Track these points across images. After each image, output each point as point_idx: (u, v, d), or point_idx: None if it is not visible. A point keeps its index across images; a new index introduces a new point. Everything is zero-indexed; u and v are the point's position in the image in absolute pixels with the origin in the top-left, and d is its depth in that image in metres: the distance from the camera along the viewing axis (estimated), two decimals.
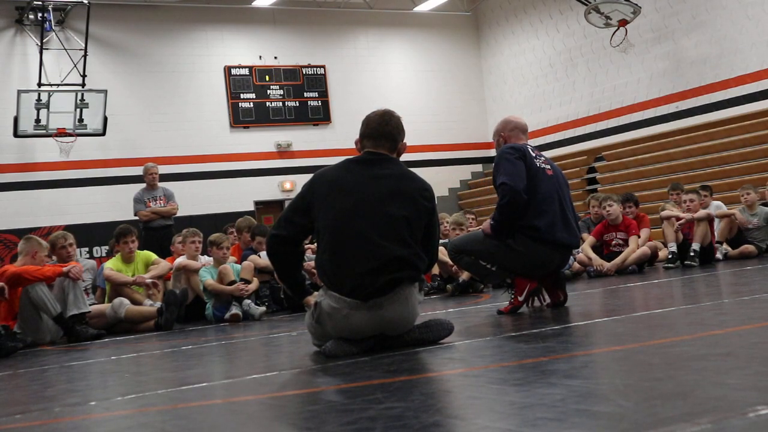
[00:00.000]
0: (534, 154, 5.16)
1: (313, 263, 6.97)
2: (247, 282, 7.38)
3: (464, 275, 7.94)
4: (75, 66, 15.89)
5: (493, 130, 5.54)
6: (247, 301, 7.23)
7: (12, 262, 7.34)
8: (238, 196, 17.63)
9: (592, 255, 8.74)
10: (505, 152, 5.11)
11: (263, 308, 7.30)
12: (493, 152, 21.62)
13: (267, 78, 18.34)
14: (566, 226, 5.01)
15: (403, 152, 4.03)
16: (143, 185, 10.76)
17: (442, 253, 8.02)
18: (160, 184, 10.81)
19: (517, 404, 2.32)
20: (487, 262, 5.08)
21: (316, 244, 4.07)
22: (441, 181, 19.08)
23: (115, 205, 15.60)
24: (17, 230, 14.74)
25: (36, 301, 6.37)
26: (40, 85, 15.57)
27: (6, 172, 15.86)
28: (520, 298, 5.10)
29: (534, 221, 4.92)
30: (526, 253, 4.95)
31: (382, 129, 3.93)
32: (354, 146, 4.10)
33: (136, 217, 10.58)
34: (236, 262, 7.87)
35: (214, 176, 17.61)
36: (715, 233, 9.33)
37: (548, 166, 5.17)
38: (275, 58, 18.54)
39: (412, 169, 4.06)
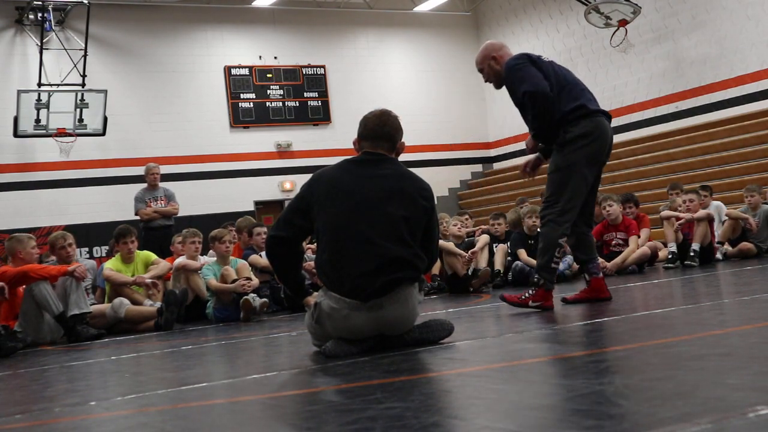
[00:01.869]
0: (537, 54, 5.17)
1: (313, 263, 6.97)
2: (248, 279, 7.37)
3: (481, 264, 7.97)
4: (75, 66, 15.90)
5: (476, 59, 5.32)
6: (252, 295, 7.22)
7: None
8: (238, 196, 17.63)
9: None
10: (512, 64, 5.05)
11: (265, 300, 7.29)
12: (493, 152, 21.50)
13: (267, 78, 18.34)
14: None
15: (401, 151, 4.02)
16: (144, 185, 10.76)
17: (443, 252, 8.05)
18: (161, 185, 10.81)
19: (517, 404, 2.32)
20: (570, 184, 4.97)
21: (316, 244, 4.07)
22: (441, 181, 19.09)
23: (115, 205, 15.61)
24: (17, 230, 14.69)
25: (39, 299, 6.39)
26: (40, 85, 15.57)
27: (6, 172, 15.87)
28: (531, 304, 5.01)
29: (576, 102, 4.97)
30: (587, 133, 4.95)
31: (380, 130, 3.93)
32: (353, 146, 4.10)
33: (137, 217, 10.58)
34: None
35: (214, 176, 17.62)
36: (716, 233, 9.33)
37: (548, 58, 5.20)
38: (275, 58, 18.54)
39: (411, 169, 4.05)
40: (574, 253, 5.36)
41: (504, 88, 5.23)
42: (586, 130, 4.98)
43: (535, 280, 5.04)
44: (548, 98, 4.89)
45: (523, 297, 5.04)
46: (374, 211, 3.76)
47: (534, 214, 8.63)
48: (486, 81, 5.39)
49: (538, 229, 5.77)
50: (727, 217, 9.51)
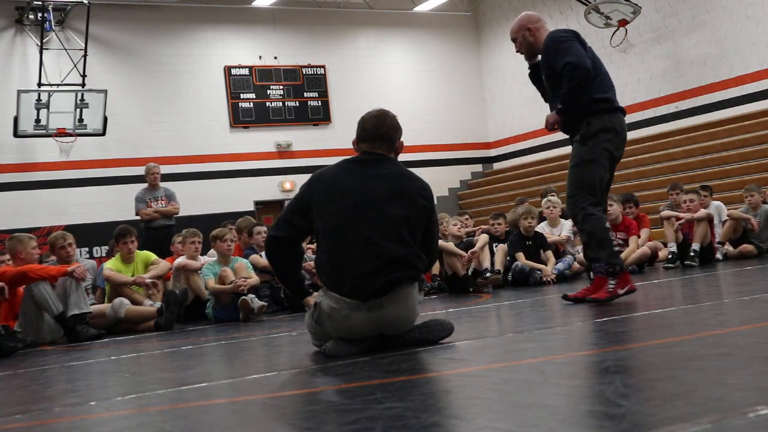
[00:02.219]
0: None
1: (312, 263, 6.97)
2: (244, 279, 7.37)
3: (484, 264, 7.99)
4: (75, 66, 15.90)
5: (512, 28, 5.40)
6: (251, 296, 7.22)
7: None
8: (238, 196, 17.63)
9: None
10: (558, 35, 5.12)
11: (264, 303, 7.28)
12: (492, 152, 21.48)
13: (267, 78, 18.34)
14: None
15: (400, 151, 4.02)
16: (144, 185, 10.76)
17: (443, 252, 8.05)
18: (162, 184, 10.81)
19: (517, 404, 2.32)
20: (590, 175, 5.04)
21: (315, 244, 4.07)
22: (441, 181, 19.09)
23: (115, 205, 15.61)
24: (17, 230, 14.69)
25: (39, 299, 6.39)
26: (40, 85, 15.57)
27: (6, 172, 15.87)
28: (621, 291, 5.05)
29: (605, 94, 5.08)
30: (610, 128, 5.05)
31: (378, 131, 3.92)
32: (352, 147, 4.09)
33: (137, 217, 10.58)
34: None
35: (214, 176, 17.62)
36: (716, 233, 9.33)
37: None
38: (275, 58, 18.54)
39: (411, 169, 4.05)
40: (586, 249, 5.37)
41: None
42: (610, 125, 5.08)
43: (613, 270, 5.06)
44: (588, 74, 4.98)
45: (610, 290, 5.05)
46: (374, 210, 3.76)
47: (530, 215, 8.62)
48: (517, 51, 5.47)
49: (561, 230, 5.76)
50: (728, 218, 9.51)
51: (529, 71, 5.52)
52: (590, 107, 5.07)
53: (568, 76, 4.96)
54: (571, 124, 5.19)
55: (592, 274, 5.34)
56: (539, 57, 5.34)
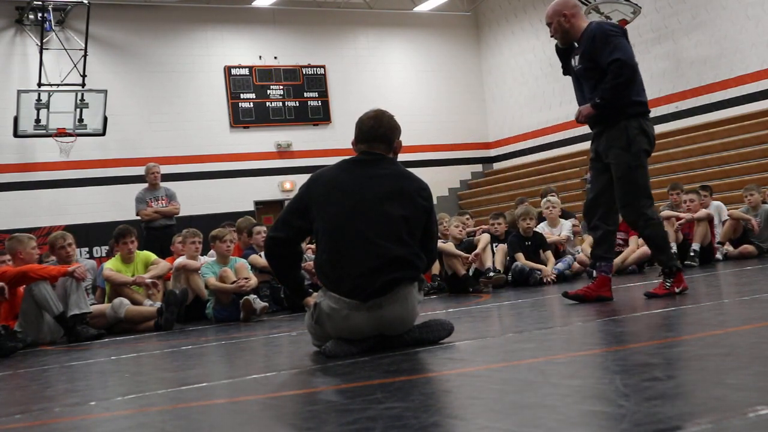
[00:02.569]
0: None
1: (312, 264, 6.97)
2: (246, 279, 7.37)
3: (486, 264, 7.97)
4: (75, 66, 15.90)
5: (547, 12, 5.38)
6: (252, 296, 7.21)
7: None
8: (238, 196, 17.64)
9: None
10: (609, 30, 5.13)
11: (265, 304, 7.28)
12: (492, 152, 21.44)
13: (267, 78, 18.34)
14: None
15: (399, 150, 4.02)
16: (144, 185, 10.75)
17: (443, 253, 8.05)
18: (162, 184, 10.80)
19: (517, 404, 2.32)
20: (637, 178, 5.11)
21: (315, 244, 4.07)
22: (441, 181, 19.09)
23: (115, 205, 15.61)
24: (17, 230, 14.70)
25: (39, 299, 6.39)
26: (40, 85, 15.58)
27: (6, 172, 15.87)
28: (677, 290, 5.13)
29: (641, 97, 5.14)
30: (646, 131, 5.13)
31: (375, 132, 3.91)
32: (351, 147, 4.09)
33: (138, 217, 10.58)
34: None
35: (214, 176, 17.62)
36: (716, 234, 9.32)
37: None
38: (275, 58, 18.55)
39: (411, 169, 4.05)
40: (595, 248, 5.40)
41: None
42: (646, 128, 5.16)
43: (670, 271, 5.17)
44: (636, 73, 5.02)
45: (667, 287, 5.16)
46: (373, 210, 3.76)
47: (528, 216, 8.62)
48: (551, 36, 5.44)
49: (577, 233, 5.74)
50: (728, 218, 9.50)
51: (556, 46, 5.50)
52: (627, 110, 5.09)
53: (615, 72, 4.96)
54: (601, 119, 5.19)
55: (595, 272, 5.36)
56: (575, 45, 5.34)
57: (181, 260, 7.87)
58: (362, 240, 3.72)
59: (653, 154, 15.95)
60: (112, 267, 7.64)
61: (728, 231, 9.40)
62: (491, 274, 7.97)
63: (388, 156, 3.95)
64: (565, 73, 5.50)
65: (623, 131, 5.09)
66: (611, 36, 5.04)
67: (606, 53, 4.99)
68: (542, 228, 9.21)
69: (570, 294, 5.31)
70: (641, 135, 5.10)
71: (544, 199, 9.58)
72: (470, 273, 8.19)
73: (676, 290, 5.15)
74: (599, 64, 5.05)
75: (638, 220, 5.16)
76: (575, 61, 5.27)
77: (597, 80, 5.09)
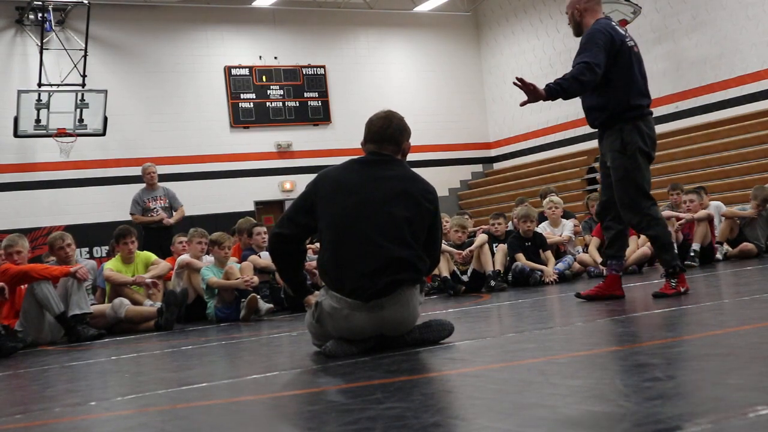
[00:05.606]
0: (623, 33, 5.27)
1: (314, 263, 6.97)
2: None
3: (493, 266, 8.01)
4: (75, 66, 15.89)
5: (567, 3, 5.46)
6: (258, 296, 7.21)
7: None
8: (238, 196, 17.63)
9: (599, 257, 8.69)
10: (597, 30, 5.14)
11: (271, 305, 7.28)
12: (493, 152, 21.45)
13: (267, 78, 18.33)
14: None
15: (407, 152, 4.03)
16: (144, 185, 10.74)
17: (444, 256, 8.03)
18: (161, 184, 10.79)
19: (517, 404, 2.32)
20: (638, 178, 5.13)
21: (316, 244, 4.08)
22: (441, 181, 19.07)
23: (115, 205, 15.59)
24: (17, 230, 14.71)
25: (40, 299, 6.40)
26: (40, 85, 15.57)
27: (6, 172, 15.86)
28: (682, 290, 5.16)
29: (639, 101, 5.18)
30: (644, 132, 5.16)
31: (384, 132, 3.92)
32: (358, 146, 4.10)
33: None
34: (237, 263, 7.87)
35: (214, 176, 17.61)
36: (716, 233, 9.31)
37: (633, 43, 5.31)
38: (275, 58, 18.54)
39: (412, 170, 4.05)
40: (607, 247, 5.48)
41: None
42: (644, 129, 5.19)
43: (673, 270, 5.19)
44: (593, 83, 5.03)
45: (673, 286, 5.18)
46: (377, 211, 3.76)
47: (529, 218, 8.61)
48: (568, 24, 5.52)
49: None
50: (722, 218, 9.49)
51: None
52: (625, 114, 5.17)
53: (579, 70, 5.00)
54: (601, 122, 5.28)
55: (605, 271, 5.47)
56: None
57: (185, 257, 7.87)
58: (366, 240, 3.72)
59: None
60: (112, 267, 7.65)
61: (725, 231, 9.39)
62: (492, 283, 7.91)
63: (397, 157, 3.96)
64: None
65: (618, 134, 5.18)
66: (591, 41, 5.08)
67: (579, 55, 5.09)
68: (544, 228, 9.20)
69: (582, 294, 5.34)
70: (636, 135, 5.15)
71: (547, 199, 9.58)
72: (468, 274, 8.17)
73: (681, 290, 5.18)
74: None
75: (641, 221, 5.21)
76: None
77: None
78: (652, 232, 5.24)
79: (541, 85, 5.03)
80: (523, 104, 5.06)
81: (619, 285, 5.36)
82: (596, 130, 5.44)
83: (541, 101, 5.06)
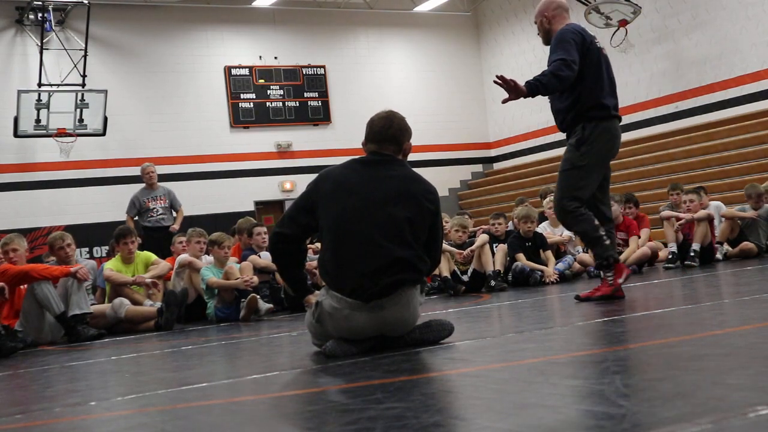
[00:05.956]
0: (591, 34, 5.31)
1: (314, 263, 6.97)
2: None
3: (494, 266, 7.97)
4: (75, 66, 15.89)
5: (536, 11, 5.51)
6: (258, 296, 7.21)
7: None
8: (238, 196, 17.63)
9: None
10: (565, 33, 5.17)
11: (271, 305, 7.28)
12: (493, 152, 21.47)
13: (267, 78, 18.33)
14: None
15: (409, 152, 4.03)
16: (144, 185, 10.75)
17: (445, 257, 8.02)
18: (160, 184, 10.79)
19: (517, 404, 2.32)
20: (583, 173, 5.13)
21: (316, 244, 4.08)
22: (441, 181, 19.05)
23: (115, 205, 15.56)
24: (17, 230, 14.70)
25: (41, 299, 6.40)
26: (40, 85, 15.57)
27: (6, 172, 15.86)
28: (620, 280, 5.15)
29: (606, 101, 5.19)
30: (605, 134, 5.17)
31: (385, 133, 3.92)
32: (358, 146, 4.10)
33: (137, 218, 10.57)
34: (237, 263, 7.87)
35: (214, 176, 17.61)
36: (716, 233, 9.31)
37: (602, 46, 5.35)
38: (275, 58, 18.54)
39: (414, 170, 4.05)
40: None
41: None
42: (605, 131, 5.19)
43: (606, 263, 5.18)
44: (571, 80, 5.04)
45: (610, 282, 5.18)
46: (378, 211, 3.76)
47: (529, 219, 8.62)
48: (538, 34, 5.55)
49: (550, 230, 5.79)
50: (722, 218, 9.49)
51: None
52: (589, 113, 5.19)
53: (556, 66, 5.02)
54: (567, 124, 5.29)
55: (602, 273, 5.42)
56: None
57: (185, 257, 7.87)
58: (366, 240, 3.72)
59: (654, 155, 15.90)
60: (112, 267, 7.65)
61: (725, 231, 9.40)
62: (492, 283, 7.91)
63: (398, 157, 3.96)
64: None
65: (581, 131, 5.21)
66: (563, 40, 5.12)
67: (553, 54, 5.11)
68: (544, 228, 9.21)
69: (582, 296, 5.33)
70: (598, 138, 5.16)
71: (547, 199, 9.58)
72: (469, 273, 8.17)
73: (619, 281, 5.14)
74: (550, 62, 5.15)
75: (567, 218, 5.25)
76: None
77: None
78: (578, 228, 5.27)
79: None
80: (504, 101, 4.99)
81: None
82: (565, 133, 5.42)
83: (531, 98, 5.08)
